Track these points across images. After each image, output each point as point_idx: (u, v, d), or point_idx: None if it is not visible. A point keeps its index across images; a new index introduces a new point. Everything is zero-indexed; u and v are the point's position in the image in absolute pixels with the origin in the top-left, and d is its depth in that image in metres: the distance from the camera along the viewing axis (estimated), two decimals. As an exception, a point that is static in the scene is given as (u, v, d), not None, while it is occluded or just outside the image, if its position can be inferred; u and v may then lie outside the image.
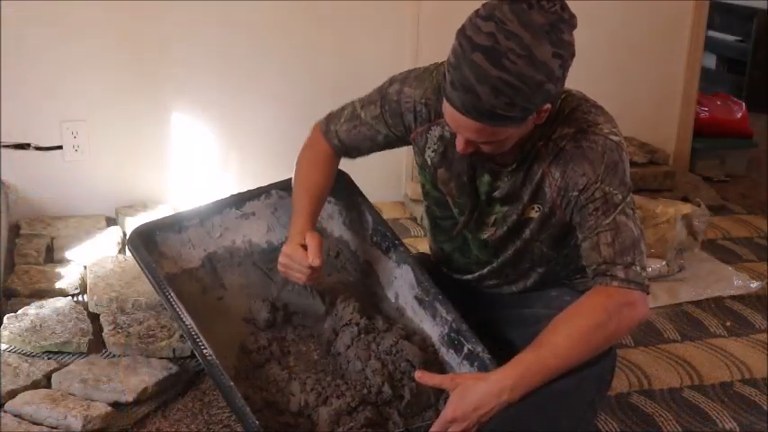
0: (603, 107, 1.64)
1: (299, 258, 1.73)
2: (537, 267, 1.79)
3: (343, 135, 1.83)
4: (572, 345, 1.51)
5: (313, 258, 1.72)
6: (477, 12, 1.45)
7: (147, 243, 1.82)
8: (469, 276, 1.88)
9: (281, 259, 1.77)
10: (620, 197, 1.56)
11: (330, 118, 1.87)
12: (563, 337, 1.51)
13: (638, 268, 1.54)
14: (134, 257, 1.80)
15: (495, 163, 1.67)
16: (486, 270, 1.83)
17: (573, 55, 1.46)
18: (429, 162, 1.75)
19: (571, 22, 1.44)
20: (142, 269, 1.78)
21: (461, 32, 1.45)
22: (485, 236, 1.77)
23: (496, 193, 1.69)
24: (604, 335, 1.53)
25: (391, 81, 1.76)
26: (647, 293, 1.56)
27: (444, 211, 1.82)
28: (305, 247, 1.74)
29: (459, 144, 1.55)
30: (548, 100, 1.47)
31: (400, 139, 1.79)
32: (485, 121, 1.46)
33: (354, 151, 1.87)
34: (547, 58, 1.40)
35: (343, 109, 1.85)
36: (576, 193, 1.58)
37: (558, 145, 1.59)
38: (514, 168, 1.65)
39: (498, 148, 1.55)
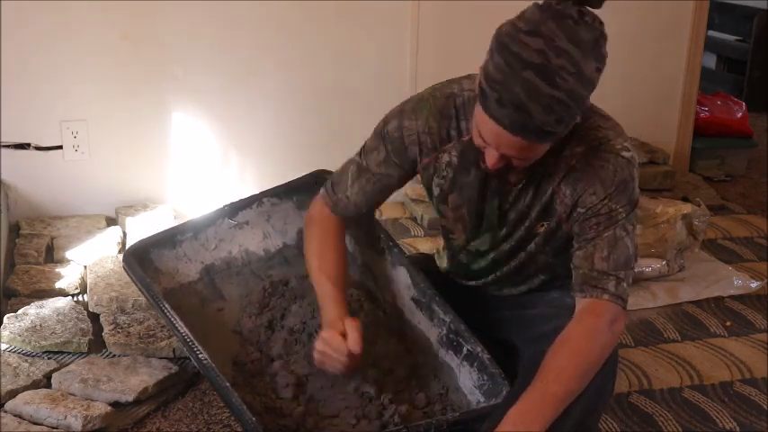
0: (610, 116, 1.63)
1: (336, 345, 1.65)
2: (540, 274, 1.80)
3: (358, 197, 1.77)
4: (574, 370, 1.49)
5: (354, 345, 1.64)
6: (516, 26, 1.41)
7: (142, 261, 1.82)
8: (473, 283, 1.87)
9: (318, 346, 1.68)
10: (624, 214, 1.57)
11: (334, 186, 1.79)
12: (563, 364, 1.50)
13: (625, 285, 1.56)
14: (129, 276, 1.79)
15: (504, 183, 1.65)
16: (490, 278, 1.83)
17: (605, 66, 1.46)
18: (439, 190, 1.73)
19: (605, 35, 1.44)
20: (137, 285, 1.77)
21: (505, 49, 1.40)
22: (491, 256, 1.76)
23: (508, 216, 1.69)
24: (601, 354, 1.52)
25: (386, 120, 1.72)
26: (626, 309, 1.58)
27: (448, 239, 1.82)
28: (344, 335, 1.66)
29: (491, 159, 1.51)
30: (582, 113, 1.48)
31: (411, 175, 1.76)
32: (531, 138, 1.43)
33: (373, 207, 1.82)
34: (592, 74, 1.40)
35: (344, 171, 1.78)
36: (583, 210, 1.58)
37: (569, 163, 1.58)
38: (523, 186, 1.64)
39: (529, 162, 1.54)
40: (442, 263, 1.94)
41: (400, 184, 1.77)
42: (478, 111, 1.46)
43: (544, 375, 1.49)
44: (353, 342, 1.64)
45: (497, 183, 1.66)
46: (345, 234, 1.84)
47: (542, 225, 1.67)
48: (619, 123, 1.62)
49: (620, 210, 1.56)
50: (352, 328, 1.66)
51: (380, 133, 1.72)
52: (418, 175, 1.76)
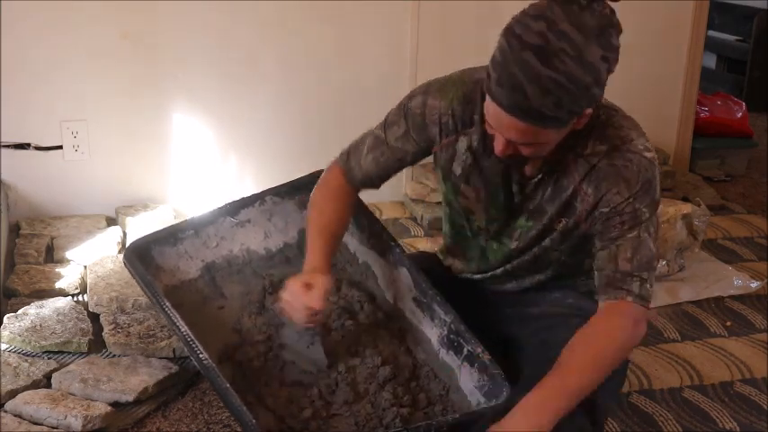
0: (630, 116, 1.62)
1: (299, 296, 1.64)
2: (548, 270, 1.79)
3: (371, 166, 1.77)
4: (592, 365, 1.49)
5: (313, 301, 1.63)
6: (525, 11, 1.42)
7: (143, 258, 1.81)
8: (479, 276, 1.87)
9: (282, 294, 1.67)
10: (648, 215, 1.56)
11: (350, 153, 1.80)
12: (582, 358, 1.49)
13: (648, 286, 1.55)
14: (130, 272, 1.78)
15: (522, 174, 1.65)
16: (500, 271, 1.82)
17: (617, 60, 1.44)
18: (458, 173, 1.72)
19: (619, 27, 1.43)
20: (138, 281, 1.77)
21: (509, 31, 1.41)
22: (512, 246, 1.75)
23: (526, 205, 1.68)
24: (620, 353, 1.53)
25: (411, 96, 1.72)
26: (648, 310, 1.57)
27: (464, 221, 1.80)
28: (311, 286, 1.65)
29: (499, 145, 1.51)
30: (591, 104, 1.46)
31: (425, 153, 1.75)
32: (530, 121, 1.43)
33: (382, 179, 1.81)
34: (596, 61, 1.39)
35: (362, 141, 1.79)
36: (606, 210, 1.57)
37: (590, 162, 1.58)
38: (540, 179, 1.63)
39: (537, 152, 1.53)
40: (447, 260, 1.94)
41: (414, 161, 1.77)
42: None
43: (561, 368, 1.49)
44: (316, 298, 1.63)
45: (515, 172, 1.65)
46: (354, 201, 1.85)
47: (560, 221, 1.66)
48: (640, 126, 1.61)
49: (645, 210, 1.56)
50: (319, 282, 1.65)
51: (403, 108, 1.72)
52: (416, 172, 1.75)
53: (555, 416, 1.45)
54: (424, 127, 1.70)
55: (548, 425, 1.44)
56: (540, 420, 1.44)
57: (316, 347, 1.75)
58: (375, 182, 1.82)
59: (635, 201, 1.55)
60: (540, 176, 1.63)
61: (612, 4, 1.43)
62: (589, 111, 1.47)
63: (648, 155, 1.57)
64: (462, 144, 1.68)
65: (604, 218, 1.58)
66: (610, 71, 1.44)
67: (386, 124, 1.75)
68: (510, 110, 1.42)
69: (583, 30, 1.37)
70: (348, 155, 1.81)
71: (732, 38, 5.30)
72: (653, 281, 1.57)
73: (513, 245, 1.74)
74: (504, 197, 1.69)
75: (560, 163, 1.60)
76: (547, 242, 1.70)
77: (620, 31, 1.43)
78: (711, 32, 4.65)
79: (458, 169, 1.72)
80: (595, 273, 1.59)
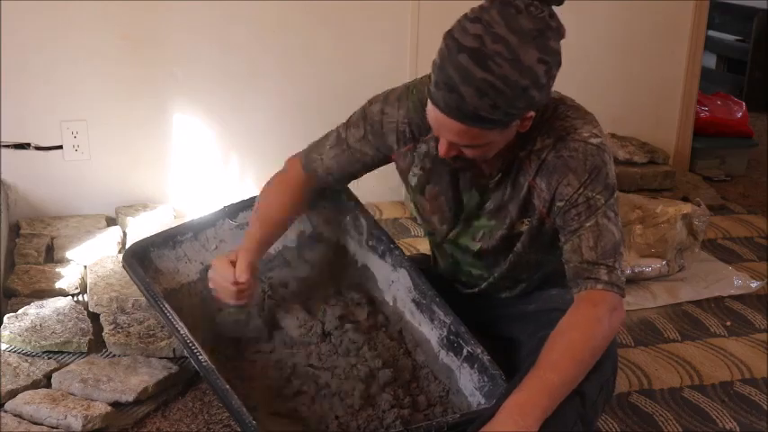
0: (581, 107, 1.62)
1: (223, 271, 1.74)
2: (533, 275, 1.80)
3: (331, 163, 1.81)
4: (572, 359, 1.48)
5: (238, 273, 1.72)
6: (465, 15, 1.45)
7: (142, 261, 1.82)
8: (469, 291, 1.87)
9: (209, 274, 1.78)
10: (603, 200, 1.56)
11: (312, 147, 1.85)
12: (560, 353, 1.49)
13: (618, 272, 1.55)
14: (129, 276, 1.79)
15: (480, 176, 1.66)
16: (484, 285, 1.83)
17: (559, 64, 1.45)
18: (416, 181, 1.74)
19: (559, 30, 1.44)
20: (137, 285, 1.77)
21: (449, 34, 1.45)
22: (475, 249, 1.76)
23: (486, 206, 1.69)
24: (599, 344, 1.52)
25: (371, 101, 1.76)
26: (624, 296, 1.57)
27: (429, 227, 1.82)
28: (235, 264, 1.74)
29: (442, 147, 1.53)
30: (532, 107, 1.47)
31: (385, 159, 1.78)
32: (467, 123, 1.45)
33: (342, 179, 1.86)
34: (532, 64, 1.40)
35: (326, 137, 1.82)
36: (561, 203, 1.58)
37: (540, 157, 1.59)
38: (499, 179, 1.65)
39: (482, 154, 1.54)
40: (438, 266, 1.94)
41: (374, 165, 1.80)
42: None
43: (541, 365, 1.49)
44: (239, 270, 1.72)
45: (472, 174, 1.67)
46: (306, 194, 1.88)
47: (524, 222, 1.66)
48: (591, 113, 1.62)
49: (598, 197, 1.56)
50: (242, 259, 1.73)
51: (363, 112, 1.76)
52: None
53: (541, 414, 1.44)
54: (382, 134, 1.72)
55: (534, 424, 1.43)
56: (525, 420, 1.43)
57: (254, 324, 1.81)
58: (335, 180, 1.84)
59: (586, 189, 1.56)
60: (499, 176, 1.64)
61: (555, 8, 1.44)
62: (531, 113, 1.48)
63: (595, 141, 1.57)
64: (421, 150, 1.71)
65: (562, 212, 1.58)
66: (551, 74, 1.44)
67: (348, 124, 1.79)
68: (447, 111, 1.44)
69: (518, 33, 1.39)
70: (310, 149, 1.85)
71: (732, 38, 5.29)
72: (621, 266, 1.57)
73: (477, 246, 1.75)
74: (464, 199, 1.71)
75: (515, 161, 1.61)
76: (519, 247, 1.71)
77: (560, 35, 1.45)
78: (711, 32, 4.65)
79: (413, 179, 1.74)
80: (564, 266, 1.59)
